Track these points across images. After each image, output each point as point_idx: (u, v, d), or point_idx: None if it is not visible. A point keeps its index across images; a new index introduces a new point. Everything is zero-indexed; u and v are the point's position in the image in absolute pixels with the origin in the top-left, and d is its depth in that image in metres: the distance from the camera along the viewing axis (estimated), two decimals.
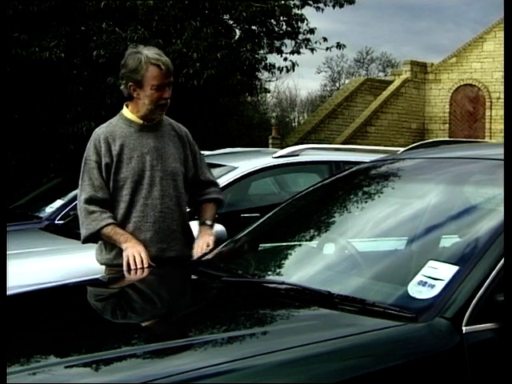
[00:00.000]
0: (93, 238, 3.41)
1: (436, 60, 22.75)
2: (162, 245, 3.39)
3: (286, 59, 12.29)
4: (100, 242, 3.48)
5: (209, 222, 3.54)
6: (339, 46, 12.87)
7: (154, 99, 3.38)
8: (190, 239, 3.52)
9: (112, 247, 3.41)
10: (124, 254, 3.28)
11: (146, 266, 3.21)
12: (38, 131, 10.28)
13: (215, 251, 3.25)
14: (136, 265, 3.22)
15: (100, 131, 3.44)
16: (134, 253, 3.25)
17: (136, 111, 3.45)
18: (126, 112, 3.48)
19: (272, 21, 12.21)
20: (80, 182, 3.42)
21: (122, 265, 3.29)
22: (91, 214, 3.35)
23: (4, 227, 2.74)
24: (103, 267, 3.51)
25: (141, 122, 3.44)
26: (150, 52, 3.38)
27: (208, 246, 3.34)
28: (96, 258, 3.53)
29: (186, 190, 3.52)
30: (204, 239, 3.41)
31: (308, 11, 12.57)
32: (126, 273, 3.23)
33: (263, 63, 11.95)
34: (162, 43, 10.03)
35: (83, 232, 3.39)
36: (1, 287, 2.49)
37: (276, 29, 12.38)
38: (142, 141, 3.42)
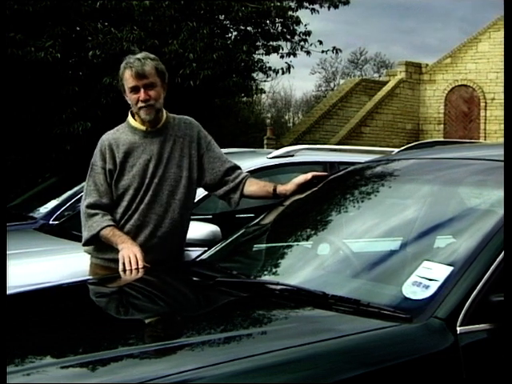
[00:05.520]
0: (93, 239, 3.43)
1: (425, 59, 22.80)
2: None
3: (282, 56, 12.28)
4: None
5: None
6: (335, 49, 12.92)
7: (133, 101, 3.43)
8: (179, 245, 3.54)
9: (108, 248, 3.41)
10: (120, 255, 3.29)
11: (141, 266, 3.21)
12: (33, 131, 10.25)
13: (209, 252, 3.25)
14: (131, 265, 3.22)
15: (106, 137, 3.50)
16: (130, 253, 3.25)
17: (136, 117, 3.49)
18: (131, 119, 3.52)
19: (268, 22, 12.20)
20: (85, 187, 3.49)
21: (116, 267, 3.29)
22: (93, 216, 3.40)
23: (4, 227, 2.75)
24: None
25: (144, 128, 3.47)
26: (131, 57, 3.45)
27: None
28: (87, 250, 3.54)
29: (190, 194, 3.52)
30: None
31: (302, 13, 12.56)
32: (121, 273, 3.23)
33: (259, 65, 11.94)
34: (157, 44, 10.02)
35: (85, 234, 3.45)
36: (1, 287, 2.50)
37: (272, 30, 12.37)
38: (145, 148, 3.44)
